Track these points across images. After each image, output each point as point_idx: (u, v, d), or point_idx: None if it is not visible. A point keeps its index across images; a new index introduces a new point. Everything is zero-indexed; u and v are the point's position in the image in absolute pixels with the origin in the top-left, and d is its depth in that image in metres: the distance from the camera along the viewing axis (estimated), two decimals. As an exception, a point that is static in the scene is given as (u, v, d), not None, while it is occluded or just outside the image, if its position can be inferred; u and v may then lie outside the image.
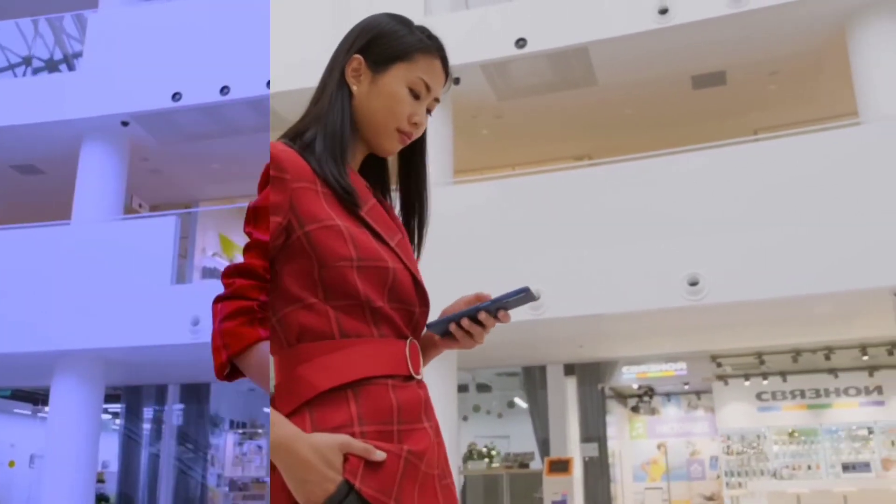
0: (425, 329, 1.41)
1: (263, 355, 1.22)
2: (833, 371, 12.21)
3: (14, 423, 14.56)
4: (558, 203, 8.21)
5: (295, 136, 1.37)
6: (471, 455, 12.48)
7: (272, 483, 1.21)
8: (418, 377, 1.33)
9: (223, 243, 13.05)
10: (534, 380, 11.05)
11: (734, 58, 9.09)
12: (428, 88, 1.40)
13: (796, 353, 11.17)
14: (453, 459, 8.61)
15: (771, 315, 8.50)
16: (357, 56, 1.39)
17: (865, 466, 12.02)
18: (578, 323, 8.35)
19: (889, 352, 10.88)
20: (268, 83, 9.26)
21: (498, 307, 1.36)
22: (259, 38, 9.40)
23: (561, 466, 9.58)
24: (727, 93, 9.82)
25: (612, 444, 12.87)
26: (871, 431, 12.36)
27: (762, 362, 11.62)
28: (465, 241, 7.79)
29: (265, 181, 1.29)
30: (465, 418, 13.71)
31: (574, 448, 10.68)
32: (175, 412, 12.25)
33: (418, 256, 1.48)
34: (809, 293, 7.24)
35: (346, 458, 1.17)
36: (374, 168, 1.48)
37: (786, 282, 7.19)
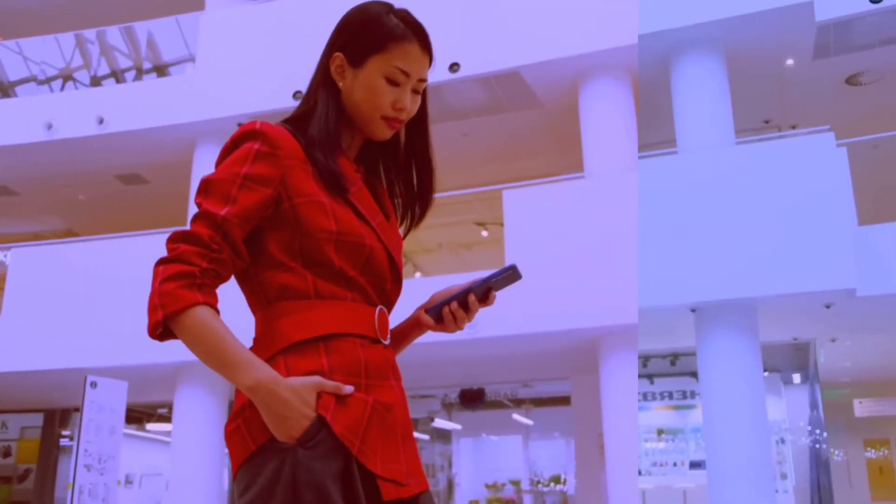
0: (424, 313, 1.51)
1: (199, 319, 1.27)
2: (695, 374, 12.94)
3: None
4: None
5: (289, 122, 1.47)
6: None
7: (250, 419, 1.29)
8: (385, 342, 1.43)
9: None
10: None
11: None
12: (406, 74, 1.45)
13: (645, 358, 11.88)
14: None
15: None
16: (338, 54, 1.48)
17: (709, 464, 12.78)
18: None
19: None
20: None
21: (487, 287, 1.45)
22: None
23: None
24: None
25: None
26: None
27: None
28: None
29: (223, 156, 1.41)
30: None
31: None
32: None
33: (419, 221, 1.59)
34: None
35: (319, 396, 1.28)
36: (381, 149, 1.57)
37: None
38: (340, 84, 1.47)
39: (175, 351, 6.56)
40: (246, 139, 1.39)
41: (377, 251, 1.41)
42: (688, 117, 8.66)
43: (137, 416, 13.86)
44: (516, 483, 14.96)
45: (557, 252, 7.74)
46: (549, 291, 7.39)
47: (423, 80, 1.48)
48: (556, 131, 9.34)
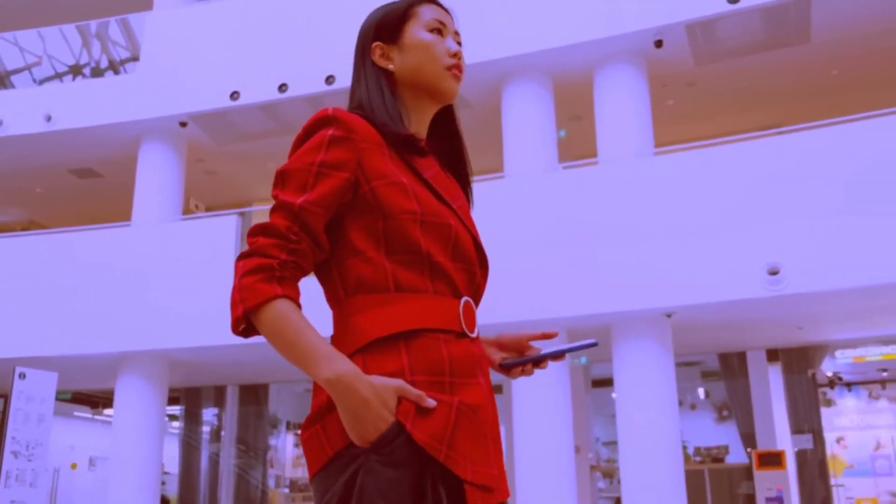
0: (495, 360, 1.47)
1: (278, 312, 1.22)
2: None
3: (74, 426, 14.49)
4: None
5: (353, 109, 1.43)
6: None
7: (328, 424, 1.24)
8: (473, 335, 1.34)
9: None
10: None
11: None
12: (443, 23, 1.46)
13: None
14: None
15: None
16: (376, 43, 1.46)
17: None
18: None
19: None
20: (327, 79, 9.38)
21: (563, 353, 1.40)
22: (318, 34, 9.68)
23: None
24: None
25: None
26: None
27: None
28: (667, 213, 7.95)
29: (297, 146, 1.35)
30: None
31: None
32: (234, 413, 12.39)
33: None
34: None
35: (400, 401, 1.21)
36: (443, 141, 1.53)
37: None
38: (391, 66, 1.45)
39: (116, 341, 7.84)
40: (319, 126, 1.35)
41: (462, 234, 1.37)
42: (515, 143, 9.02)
43: (95, 401, 14.33)
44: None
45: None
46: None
47: (459, 34, 1.49)
48: (484, 132, 9.67)
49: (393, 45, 1.45)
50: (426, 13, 1.46)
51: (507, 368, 1.45)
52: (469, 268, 1.37)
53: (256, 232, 1.29)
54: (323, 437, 1.24)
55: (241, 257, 1.27)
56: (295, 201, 1.28)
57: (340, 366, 1.19)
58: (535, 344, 1.49)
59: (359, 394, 1.18)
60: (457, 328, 1.31)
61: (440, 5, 1.49)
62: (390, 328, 1.26)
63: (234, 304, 1.24)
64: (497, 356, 1.47)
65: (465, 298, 1.35)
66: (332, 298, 1.35)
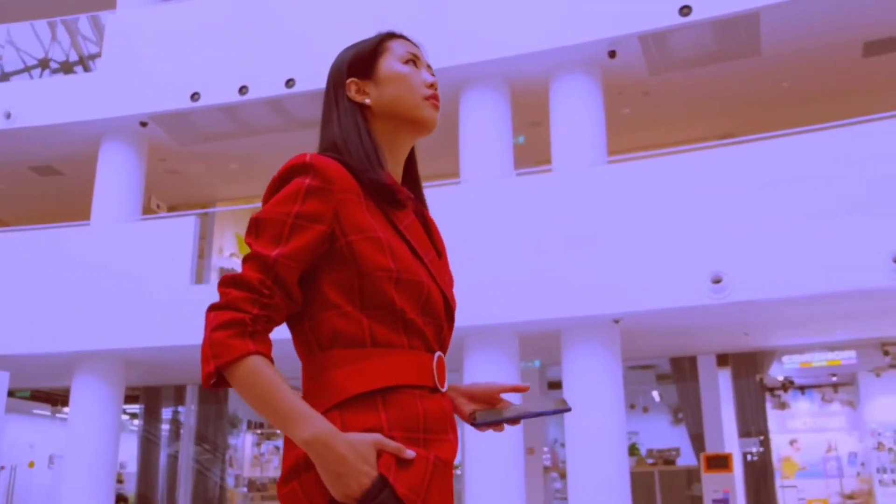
0: (465, 411, 1.44)
1: (251, 369, 1.21)
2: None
3: (33, 424, 14.52)
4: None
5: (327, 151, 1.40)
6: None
7: (306, 482, 1.23)
8: (443, 390, 1.35)
9: (239, 243, 12.82)
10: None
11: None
12: (416, 56, 1.48)
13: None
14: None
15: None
16: (350, 80, 1.46)
17: None
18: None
19: None
20: (287, 82, 9.49)
21: (536, 416, 1.40)
22: (279, 37, 9.77)
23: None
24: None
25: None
26: None
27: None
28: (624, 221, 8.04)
29: (272, 192, 1.33)
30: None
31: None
32: (193, 413, 12.42)
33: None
34: None
35: (380, 454, 1.20)
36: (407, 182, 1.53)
37: None
38: (368, 101, 1.45)
39: (72, 341, 8.13)
40: (296, 173, 1.32)
41: (434, 291, 1.36)
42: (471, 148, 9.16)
43: (54, 398, 14.27)
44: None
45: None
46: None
47: (431, 67, 1.51)
48: (441, 137, 9.76)
49: (368, 80, 1.45)
50: (398, 47, 1.47)
51: (478, 422, 1.43)
52: (437, 322, 1.37)
53: (228, 283, 1.26)
54: (301, 494, 1.23)
55: (213, 308, 1.25)
56: (269, 253, 1.26)
57: (317, 425, 1.19)
58: (506, 396, 1.48)
59: (336, 452, 1.17)
60: (430, 383, 1.32)
61: (409, 40, 1.51)
62: (369, 384, 1.26)
63: (205, 358, 1.22)
64: (467, 407, 1.45)
65: (437, 353, 1.35)
66: (304, 350, 1.34)
